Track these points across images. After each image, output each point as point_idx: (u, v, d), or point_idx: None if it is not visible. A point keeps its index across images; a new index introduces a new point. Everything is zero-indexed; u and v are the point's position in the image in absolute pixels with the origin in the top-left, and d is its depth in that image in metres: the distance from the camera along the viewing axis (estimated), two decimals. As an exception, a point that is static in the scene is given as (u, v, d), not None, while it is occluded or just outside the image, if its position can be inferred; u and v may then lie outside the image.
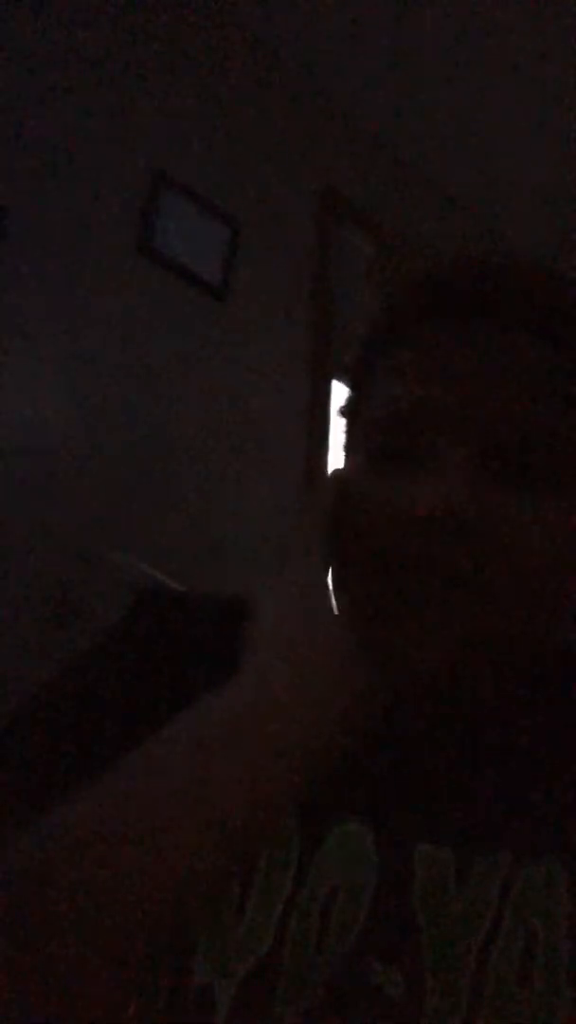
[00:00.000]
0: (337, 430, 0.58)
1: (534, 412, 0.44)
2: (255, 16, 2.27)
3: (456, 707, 0.47)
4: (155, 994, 0.41)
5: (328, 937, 0.41)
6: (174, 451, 1.85)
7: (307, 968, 0.40)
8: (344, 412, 0.55)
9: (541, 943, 0.39)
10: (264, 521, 1.90)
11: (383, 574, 0.42)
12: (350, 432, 0.54)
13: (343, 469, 0.53)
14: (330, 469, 0.61)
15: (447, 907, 0.41)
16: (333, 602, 0.42)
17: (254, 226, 2.21)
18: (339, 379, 2.17)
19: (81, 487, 1.67)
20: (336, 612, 0.42)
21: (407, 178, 2.65)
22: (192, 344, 1.98)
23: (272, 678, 0.39)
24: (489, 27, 2.23)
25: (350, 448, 0.54)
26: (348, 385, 0.56)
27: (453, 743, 0.47)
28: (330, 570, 0.45)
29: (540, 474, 0.43)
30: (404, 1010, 0.38)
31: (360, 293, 2.36)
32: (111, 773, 0.38)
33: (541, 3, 2.16)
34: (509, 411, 0.43)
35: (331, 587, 0.44)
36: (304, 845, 0.43)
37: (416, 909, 0.41)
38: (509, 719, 0.47)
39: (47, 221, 1.83)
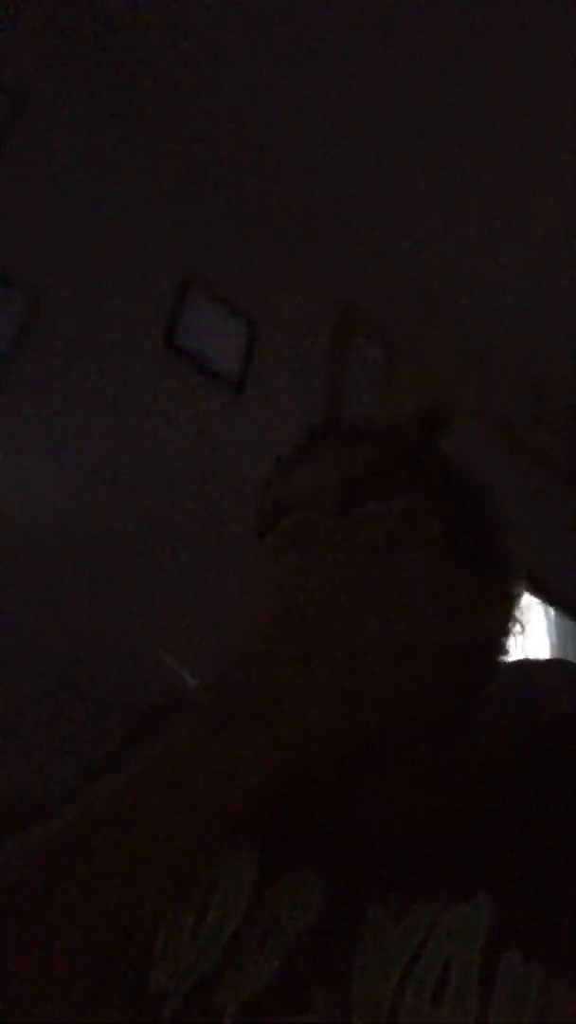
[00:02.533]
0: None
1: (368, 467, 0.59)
2: (285, 140, 2.45)
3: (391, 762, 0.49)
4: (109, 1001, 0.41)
5: (266, 960, 0.44)
6: (192, 540, 1.90)
7: (245, 982, 0.43)
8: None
9: (455, 967, 0.41)
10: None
11: None
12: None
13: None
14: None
15: (382, 939, 0.43)
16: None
17: (273, 327, 2.33)
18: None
19: (99, 575, 1.71)
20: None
21: (421, 297, 2.80)
22: (211, 435, 2.06)
23: (231, 708, 0.40)
24: (496, 157, 2.40)
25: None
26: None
27: (398, 796, 0.50)
28: None
29: None
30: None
31: (371, 396, 2.46)
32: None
33: (547, 133, 2.34)
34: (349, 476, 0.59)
35: None
36: (256, 883, 0.47)
37: (356, 949, 0.44)
38: (440, 773, 0.50)
39: (82, 317, 1.94)
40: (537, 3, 2.05)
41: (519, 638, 0.55)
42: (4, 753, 1.36)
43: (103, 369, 1.92)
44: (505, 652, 0.53)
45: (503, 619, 0.54)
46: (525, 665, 0.57)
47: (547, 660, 0.63)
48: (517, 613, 0.56)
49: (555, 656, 2.38)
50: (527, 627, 0.56)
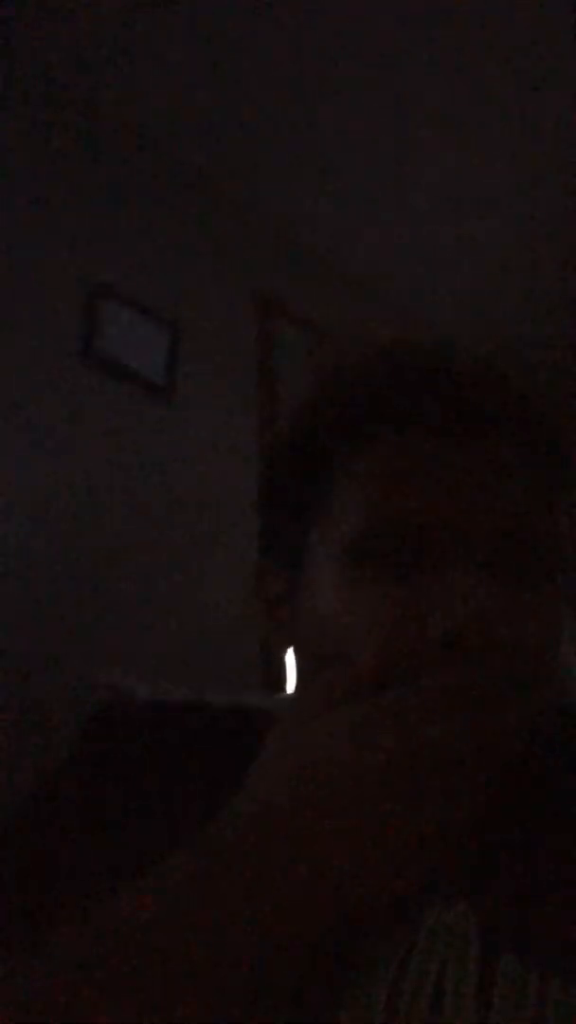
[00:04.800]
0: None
1: (527, 518, 0.45)
2: (188, 130, 2.38)
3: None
4: None
5: None
6: (127, 551, 1.81)
7: None
8: (284, 508, 0.52)
9: (451, 972, 0.40)
10: (226, 614, 1.86)
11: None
12: (293, 533, 0.51)
13: (297, 573, 0.51)
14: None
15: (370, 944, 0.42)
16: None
17: (194, 329, 2.26)
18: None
19: (31, 587, 1.62)
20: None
21: (346, 281, 2.76)
22: (140, 445, 1.98)
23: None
24: (413, 131, 2.37)
25: (293, 549, 0.51)
26: (289, 481, 0.52)
27: None
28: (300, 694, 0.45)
29: (532, 575, 0.45)
30: None
31: (303, 386, 2.41)
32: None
33: (472, 105, 2.31)
34: (509, 519, 0.44)
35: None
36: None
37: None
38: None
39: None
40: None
41: None
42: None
43: (19, 386, 1.82)
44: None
45: None
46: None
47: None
48: None
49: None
50: None
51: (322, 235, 2.65)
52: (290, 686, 1.90)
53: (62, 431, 1.84)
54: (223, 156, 2.43)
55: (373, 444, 0.47)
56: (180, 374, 2.15)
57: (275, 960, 0.32)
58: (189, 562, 1.91)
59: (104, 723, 0.54)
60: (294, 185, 2.53)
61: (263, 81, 2.25)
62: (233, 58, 2.18)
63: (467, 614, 0.40)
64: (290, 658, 0.53)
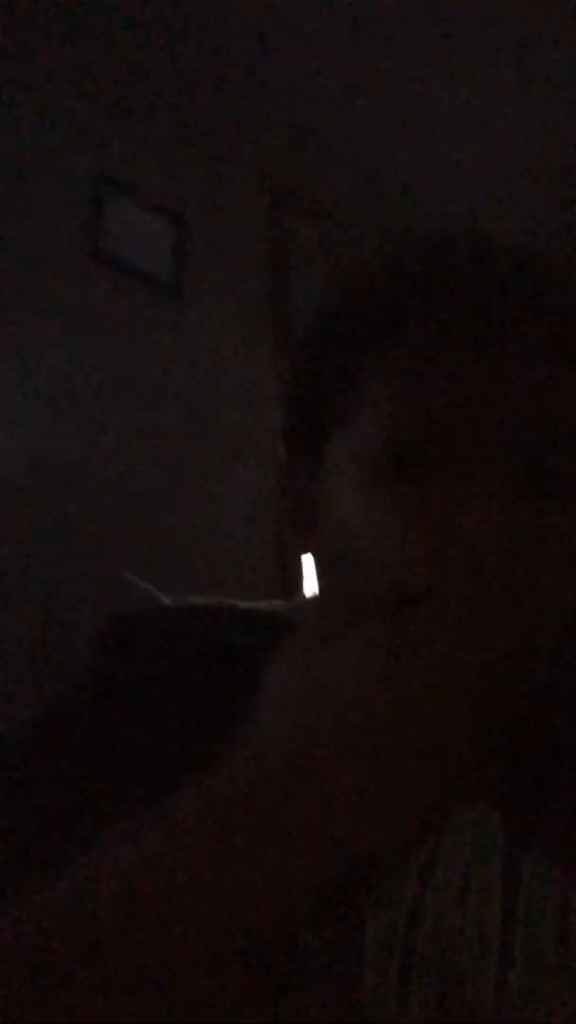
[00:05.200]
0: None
1: (569, 426, 0.41)
2: (194, 15, 2.22)
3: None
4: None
5: None
6: (139, 454, 1.80)
7: None
8: (301, 413, 0.49)
9: (474, 874, 0.40)
10: (240, 517, 1.86)
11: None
12: (310, 438, 0.48)
13: (317, 481, 0.47)
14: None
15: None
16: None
17: (201, 222, 2.16)
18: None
19: (48, 498, 1.62)
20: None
21: (355, 170, 2.62)
22: (150, 343, 1.93)
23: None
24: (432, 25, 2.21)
25: (311, 455, 0.48)
26: (309, 383, 0.48)
27: None
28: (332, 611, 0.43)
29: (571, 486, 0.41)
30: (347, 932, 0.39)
31: (317, 279, 2.33)
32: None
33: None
34: (551, 424, 0.41)
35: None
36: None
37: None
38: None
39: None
40: None
41: None
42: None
43: (27, 285, 1.77)
44: None
45: None
46: None
47: None
48: None
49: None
50: None
51: (334, 124, 2.51)
52: (306, 589, 1.91)
53: (69, 328, 1.79)
54: (230, 42, 2.27)
55: (399, 338, 0.43)
56: (188, 269, 2.08)
57: (287, 899, 0.32)
58: (201, 462, 1.89)
59: (132, 627, 0.53)
60: (305, 73, 2.37)
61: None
62: None
63: (491, 532, 0.36)
64: (307, 561, 0.51)
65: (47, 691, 1.37)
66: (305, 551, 0.50)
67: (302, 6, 2.18)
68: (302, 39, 2.29)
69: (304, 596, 1.09)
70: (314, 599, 0.51)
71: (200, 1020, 0.31)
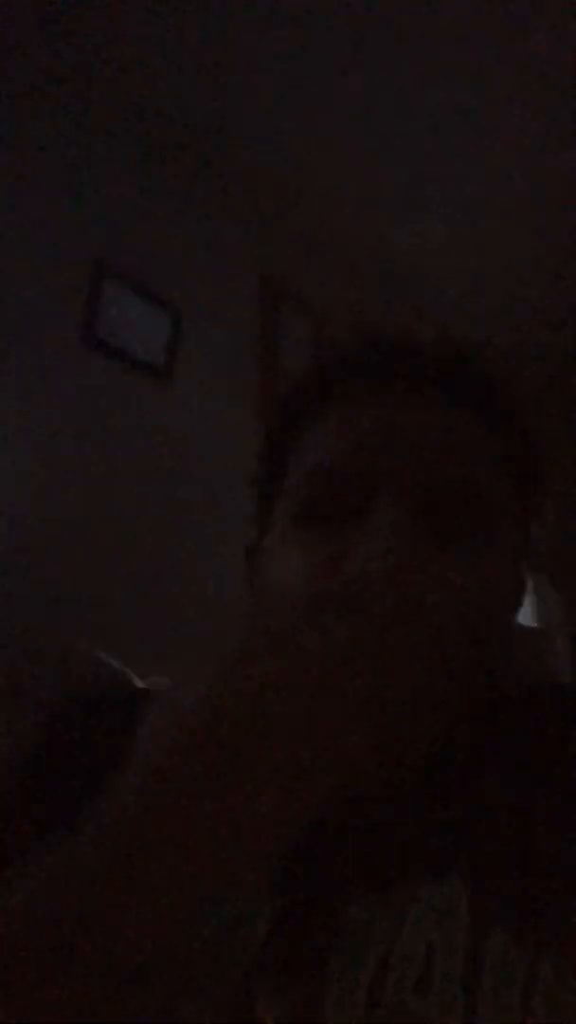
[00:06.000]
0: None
1: (466, 474, 0.46)
2: (191, 109, 2.37)
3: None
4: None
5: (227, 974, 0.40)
6: (129, 532, 1.84)
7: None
8: (257, 480, 0.55)
9: (439, 952, 0.39)
10: (224, 593, 1.89)
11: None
12: (264, 502, 0.54)
13: (261, 543, 0.53)
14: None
15: (354, 925, 0.41)
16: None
17: (195, 312, 2.27)
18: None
19: (34, 570, 1.65)
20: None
21: (347, 263, 2.75)
22: (141, 426, 2.00)
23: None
24: (429, 118, 2.36)
25: (264, 519, 0.54)
26: (264, 451, 0.55)
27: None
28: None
29: (466, 532, 0.45)
30: (303, 1012, 0.38)
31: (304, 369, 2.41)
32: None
33: (481, 101, 2.29)
34: (446, 470, 0.45)
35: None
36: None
37: (325, 939, 0.41)
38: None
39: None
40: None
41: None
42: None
43: (22, 369, 1.85)
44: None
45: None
46: (525, 633, 0.56)
47: (539, 628, 0.61)
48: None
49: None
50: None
51: (327, 218, 2.64)
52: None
53: (63, 413, 1.86)
54: (227, 136, 2.42)
55: (327, 412, 0.50)
56: (180, 357, 2.16)
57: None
58: (187, 542, 1.93)
59: (74, 711, 0.54)
60: (300, 167, 2.51)
61: (269, 60, 2.23)
62: (237, 37, 2.17)
63: (376, 567, 0.38)
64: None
65: None
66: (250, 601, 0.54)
67: (302, 104, 2.33)
68: (301, 141, 2.44)
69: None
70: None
71: None
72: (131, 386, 2.04)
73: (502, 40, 2.13)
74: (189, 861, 0.29)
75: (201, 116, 2.37)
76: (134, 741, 0.34)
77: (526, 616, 2.54)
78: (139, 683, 1.27)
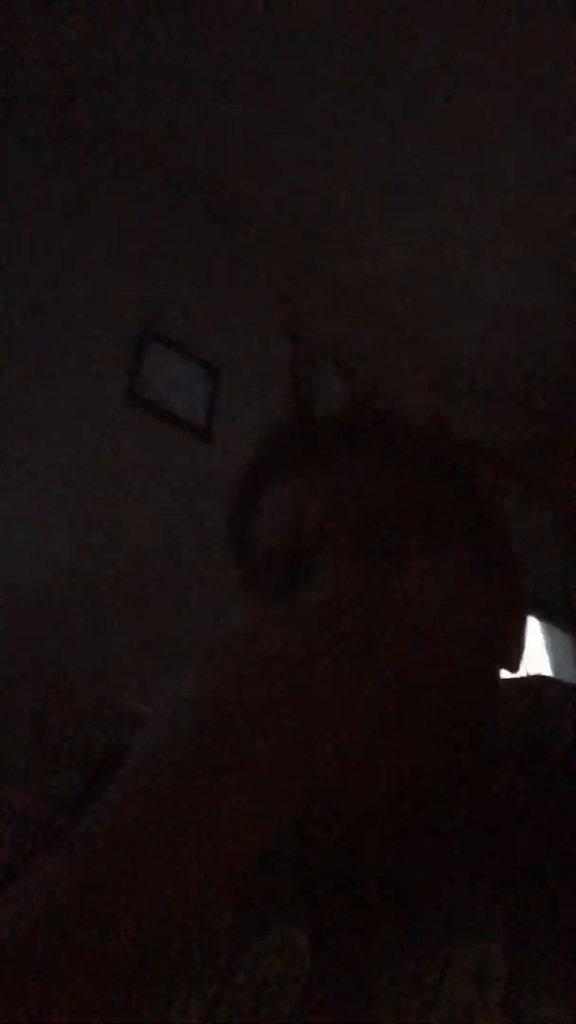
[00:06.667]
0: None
1: (386, 508, 0.50)
2: (224, 174, 2.48)
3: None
4: None
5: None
6: (164, 587, 1.88)
7: None
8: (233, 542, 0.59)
9: (476, 1014, 0.38)
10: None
11: None
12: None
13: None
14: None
15: (391, 984, 0.40)
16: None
17: (233, 371, 2.34)
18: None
19: (75, 624, 1.69)
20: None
21: (380, 322, 2.83)
22: (183, 484, 2.06)
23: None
24: (448, 170, 2.44)
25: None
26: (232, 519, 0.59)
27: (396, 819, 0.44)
28: None
29: (398, 551, 0.48)
30: None
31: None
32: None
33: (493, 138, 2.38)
34: (369, 512, 0.49)
35: None
36: (233, 944, 0.44)
37: (363, 998, 0.41)
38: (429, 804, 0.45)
39: (42, 375, 1.94)
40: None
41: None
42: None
43: (67, 427, 1.92)
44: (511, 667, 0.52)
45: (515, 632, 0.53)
46: (527, 684, 0.56)
47: (546, 678, 0.62)
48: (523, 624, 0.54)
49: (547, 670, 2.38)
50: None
51: (364, 282, 2.73)
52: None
53: (108, 470, 1.93)
54: (257, 207, 2.52)
55: (272, 483, 0.55)
56: (220, 415, 2.23)
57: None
58: (229, 598, 1.96)
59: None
60: (335, 240, 2.61)
61: (300, 128, 2.34)
62: (271, 101, 2.28)
63: (328, 598, 0.41)
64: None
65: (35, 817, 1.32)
66: None
67: (323, 178, 2.42)
68: (332, 210, 2.53)
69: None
70: None
71: None
72: (172, 443, 2.10)
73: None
74: (159, 876, 0.30)
75: (234, 191, 2.48)
76: None
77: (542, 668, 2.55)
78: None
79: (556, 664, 2.58)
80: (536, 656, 2.57)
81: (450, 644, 0.44)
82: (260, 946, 0.44)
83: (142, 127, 2.35)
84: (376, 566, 0.46)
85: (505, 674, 0.54)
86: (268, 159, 2.42)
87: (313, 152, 2.39)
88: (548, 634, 2.63)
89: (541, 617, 2.60)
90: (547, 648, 2.62)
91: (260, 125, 2.33)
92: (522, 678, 0.55)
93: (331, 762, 0.34)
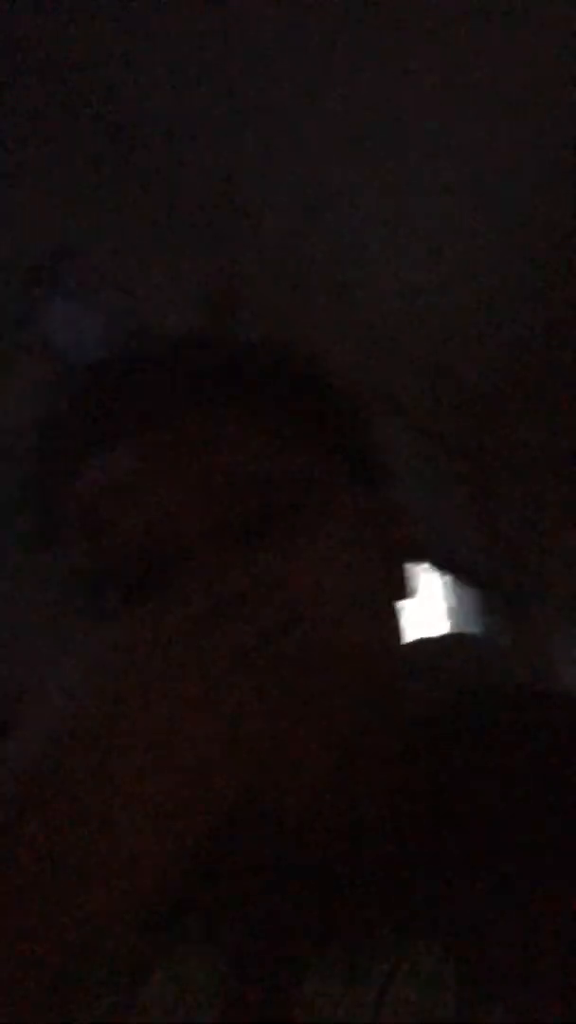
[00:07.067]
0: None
1: (258, 480, 0.40)
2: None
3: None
4: None
5: None
6: None
7: None
8: None
9: None
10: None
11: None
12: None
13: None
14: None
15: (326, 1003, 0.37)
16: None
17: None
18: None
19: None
20: None
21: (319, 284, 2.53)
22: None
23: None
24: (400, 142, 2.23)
25: None
26: None
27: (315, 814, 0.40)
28: None
29: (278, 524, 0.40)
30: None
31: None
32: None
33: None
34: (237, 492, 0.40)
35: None
36: (136, 969, 0.40)
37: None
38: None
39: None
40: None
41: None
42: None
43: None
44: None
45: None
46: (449, 643, 0.54)
47: (465, 635, 0.57)
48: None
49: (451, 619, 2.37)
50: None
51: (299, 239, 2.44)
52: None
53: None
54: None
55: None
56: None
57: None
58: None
59: None
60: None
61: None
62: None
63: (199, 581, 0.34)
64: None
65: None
66: None
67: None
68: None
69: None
70: None
71: None
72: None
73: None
74: (48, 905, 0.27)
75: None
76: None
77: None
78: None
79: (459, 617, 2.45)
80: (439, 608, 2.42)
81: (353, 622, 0.39)
82: (164, 969, 0.40)
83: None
84: (257, 556, 0.38)
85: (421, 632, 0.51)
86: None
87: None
88: (450, 587, 2.49)
89: (441, 568, 2.43)
90: (447, 600, 2.48)
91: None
92: (443, 636, 0.53)
93: (226, 795, 0.30)
